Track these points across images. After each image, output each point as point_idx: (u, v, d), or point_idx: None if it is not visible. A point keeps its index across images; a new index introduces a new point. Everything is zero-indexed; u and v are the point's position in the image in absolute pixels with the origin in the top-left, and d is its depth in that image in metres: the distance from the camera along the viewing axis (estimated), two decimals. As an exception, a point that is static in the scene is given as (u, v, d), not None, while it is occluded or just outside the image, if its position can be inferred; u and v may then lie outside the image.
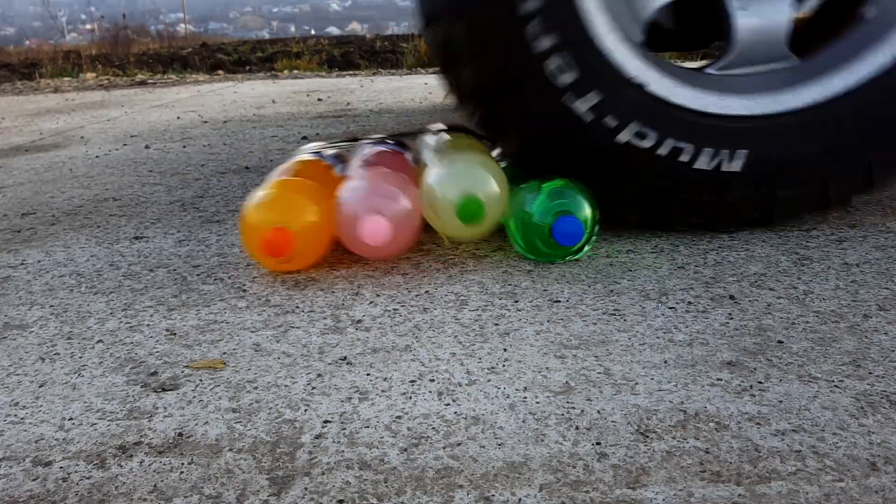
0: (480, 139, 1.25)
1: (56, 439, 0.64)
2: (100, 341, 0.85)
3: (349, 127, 2.78)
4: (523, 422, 0.64)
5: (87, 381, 0.74)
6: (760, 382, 0.69)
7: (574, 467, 0.57)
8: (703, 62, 1.18)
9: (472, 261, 1.07)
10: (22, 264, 1.16)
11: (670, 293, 0.92)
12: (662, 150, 1.03)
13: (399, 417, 0.65)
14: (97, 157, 2.25)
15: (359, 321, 0.87)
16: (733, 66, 1.10)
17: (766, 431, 0.61)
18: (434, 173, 1.03)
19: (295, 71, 6.93)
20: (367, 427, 0.64)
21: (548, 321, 0.85)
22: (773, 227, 1.18)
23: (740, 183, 1.06)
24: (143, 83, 5.99)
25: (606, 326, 0.83)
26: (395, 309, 0.90)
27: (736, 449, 0.59)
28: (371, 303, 0.93)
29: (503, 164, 1.09)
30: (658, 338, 0.80)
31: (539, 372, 0.73)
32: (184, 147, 2.39)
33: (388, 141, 1.28)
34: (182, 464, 0.59)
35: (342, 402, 0.68)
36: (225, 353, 0.80)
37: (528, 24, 0.99)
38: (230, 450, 0.61)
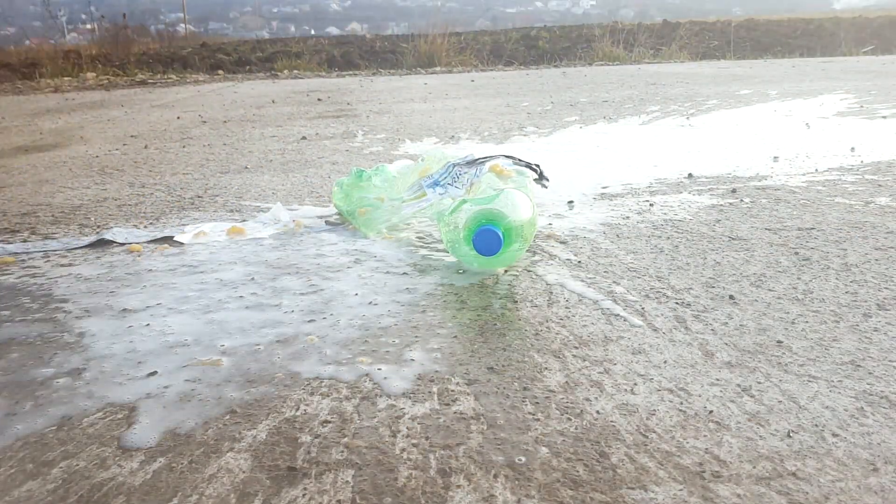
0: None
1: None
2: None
3: (349, 127, 2.78)
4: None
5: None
6: (760, 382, 0.69)
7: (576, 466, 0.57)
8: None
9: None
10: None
11: (670, 293, 0.92)
12: None
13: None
14: (97, 156, 2.25)
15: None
16: None
17: (766, 431, 0.61)
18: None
19: (295, 71, 6.93)
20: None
21: (547, 321, 0.85)
22: (773, 227, 1.18)
23: None
24: (143, 83, 5.98)
25: (607, 326, 0.83)
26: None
27: (736, 449, 0.59)
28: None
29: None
30: (658, 338, 0.79)
31: (538, 371, 0.73)
32: (184, 147, 2.39)
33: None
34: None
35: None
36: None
37: None
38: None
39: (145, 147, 2.42)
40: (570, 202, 1.42)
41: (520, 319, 0.86)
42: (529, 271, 1.03)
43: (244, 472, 0.58)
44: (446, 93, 4.19)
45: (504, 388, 0.70)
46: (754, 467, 0.56)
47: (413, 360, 0.76)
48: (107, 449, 0.62)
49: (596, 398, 0.67)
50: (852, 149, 1.87)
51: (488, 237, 0.96)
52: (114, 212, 1.48)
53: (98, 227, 1.36)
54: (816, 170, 1.64)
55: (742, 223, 1.23)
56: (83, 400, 0.70)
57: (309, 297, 0.95)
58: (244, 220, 1.36)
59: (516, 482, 0.55)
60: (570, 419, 0.64)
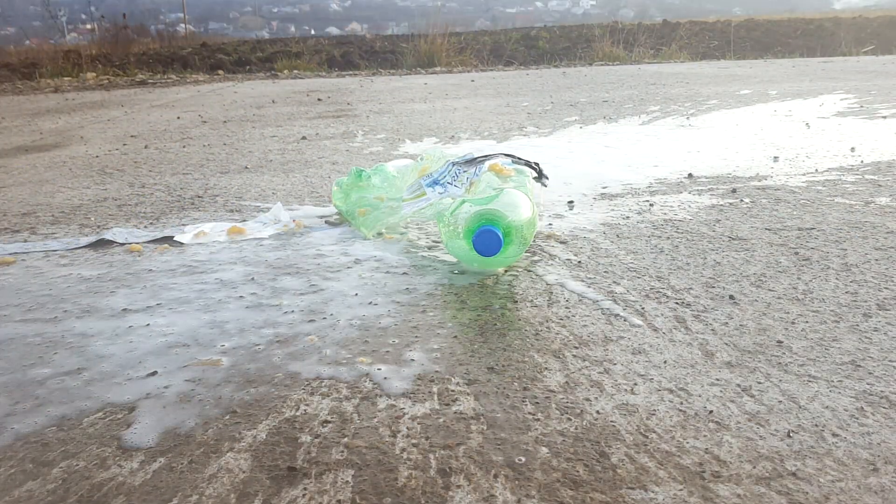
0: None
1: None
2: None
3: (349, 127, 2.78)
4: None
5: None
6: (760, 382, 0.69)
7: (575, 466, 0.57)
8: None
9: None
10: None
11: (670, 293, 0.92)
12: None
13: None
14: (97, 156, 2.25)
15: (358, 321, 0.87)
16: None
17: (766, 431, 0.61)
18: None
19: (295, 71, 6.93)
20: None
21: (547, 321, 0.85)
22: (773, 227, 1.18)
23: None
24: (143, 83, 5.98)
25: (607, 326, 0.83)
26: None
27: (736, 449, 0.58)
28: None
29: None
30: (658, 338, 0.79)
31: (537, 372, 0.73)
32: (184, 147, 2.39)
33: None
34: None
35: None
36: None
37: None
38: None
39: (145, 147, 2.42)
40: (570, 202, 1.42)
41: (520, 319, 0.86)
42: (529, 271, 1.03)
43: (244, 472, 0.58)
44: (446, 93, 4.19)
45: (504, 388, 0.70)
46: (754, 467, 0.56)
47: (413, 360, 0.76)
48: (107, 449, 0.62)
49: (596, 398, 0.67)
50: (852, 149, 1.87)
51: (488, 238, 0.96)
52: (114, 212, 1.48)
53: (98, 227, 1.36)
54: (816, 170, 1.64)
55: (742, 223, 1.22)
56: (83, 400, 0.70)
57: (309, 297, 0.95)
58: (244, 220, 1.36)
59: (516, 482, 0.55)
60: (570, 419, 0.64)
